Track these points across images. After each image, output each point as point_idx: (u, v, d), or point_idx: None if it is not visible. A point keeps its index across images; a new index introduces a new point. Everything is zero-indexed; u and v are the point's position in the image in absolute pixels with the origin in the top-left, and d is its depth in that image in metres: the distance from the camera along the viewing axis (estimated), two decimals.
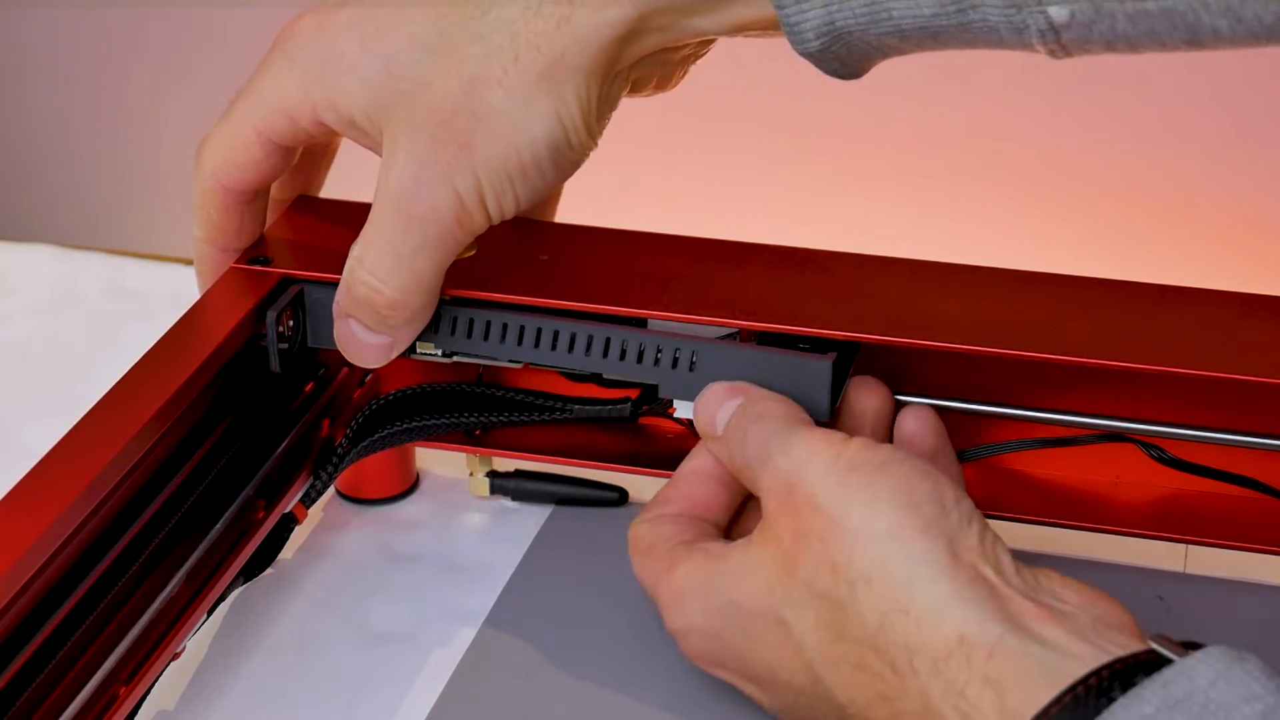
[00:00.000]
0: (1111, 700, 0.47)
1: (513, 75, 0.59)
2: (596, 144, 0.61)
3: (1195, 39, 0.53)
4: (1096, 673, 0.48)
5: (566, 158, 0.60)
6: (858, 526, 0.53)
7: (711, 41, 0.62)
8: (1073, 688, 0.47)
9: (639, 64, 0.61)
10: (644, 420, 0.69)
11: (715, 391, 0.60)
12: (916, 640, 0.51)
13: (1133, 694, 0.46)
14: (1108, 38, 0.54)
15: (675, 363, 0.63)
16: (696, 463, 0.61)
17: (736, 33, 0.60)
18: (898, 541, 0.52)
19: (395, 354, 0.63)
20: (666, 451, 0.68)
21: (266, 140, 0.63)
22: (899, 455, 0.55)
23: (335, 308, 0.63)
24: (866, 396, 0.62)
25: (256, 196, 0.65)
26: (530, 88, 0.59)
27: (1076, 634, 0.50)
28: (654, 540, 0.59)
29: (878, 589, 0.52)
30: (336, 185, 0.71)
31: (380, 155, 0.61)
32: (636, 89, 0.63)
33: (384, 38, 0.60)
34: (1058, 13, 0.53)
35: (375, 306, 0.62)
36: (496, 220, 0.61)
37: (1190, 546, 0.66)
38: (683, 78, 0.64)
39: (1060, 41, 0.54)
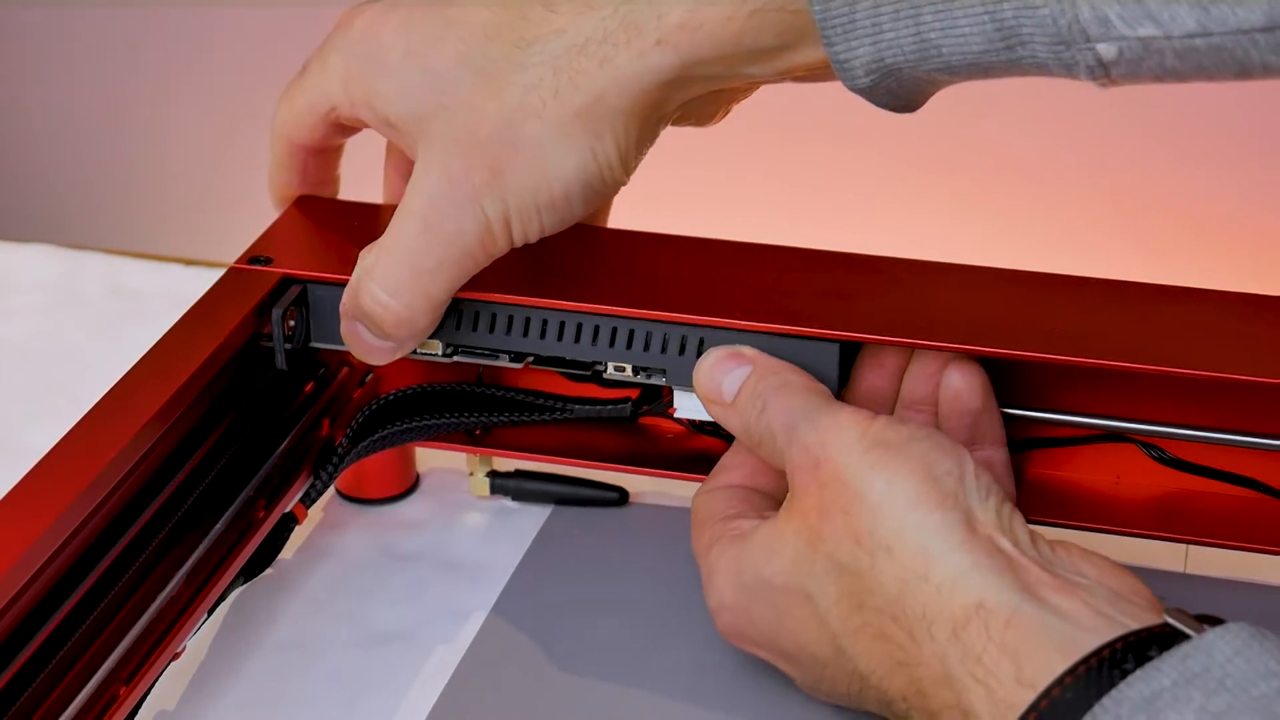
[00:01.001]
0: (1126, 672, 0.47)
1: (551, 109, 0.59)
2: (629, 179, 0.61)
3: (1245, 72, 0.53)
4: (1110, 645, 0.48)
5: (597, 191, 0.61)
6: (879, 499, 0.54)
7: (760, 84, 0.62)
8: (1086, 659, 0.48)
9: (685, 104, 0.61)
10: (644, 420, 0.69)
11: (719, 356, 0.61)
12: (935, 607, 0.51)
13: (1150, 666, 0.47)
14: (1156, 72, 0.54)
15: (682, 349, 0.63)
16: None
17: (785, 76, 0.60)
18: (917, 512, 0.53)
19: (400, 355, 0.64)
20: (666, 451, 0.68)
21: (318, 116, 0.64)
22: (923, 432, 0.55)
23: (341, 309, 0.63)
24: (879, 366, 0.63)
25: (320, 153, 0.67)
26: (567, 123, 0.59)
27: (1092, 606, 0.50)
28: (706, 514, 0.60)
29: (898, 558, 0.53)
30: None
31: (413, 157, 0.62)
32: (676, 122, 0.63)
33: (430, 51, 0.60)
34: (1106, 50, 0.54)
35: (381, 322, 0.62)
36: (519, 245, 0.61)
37: (1190, 546, 0.66)
38: (725, 115, 0.64)
39: (1109, 76, 0.55)
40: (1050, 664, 0.49)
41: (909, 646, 0.52)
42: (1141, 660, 0.48)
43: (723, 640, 0.61)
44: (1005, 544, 0.53)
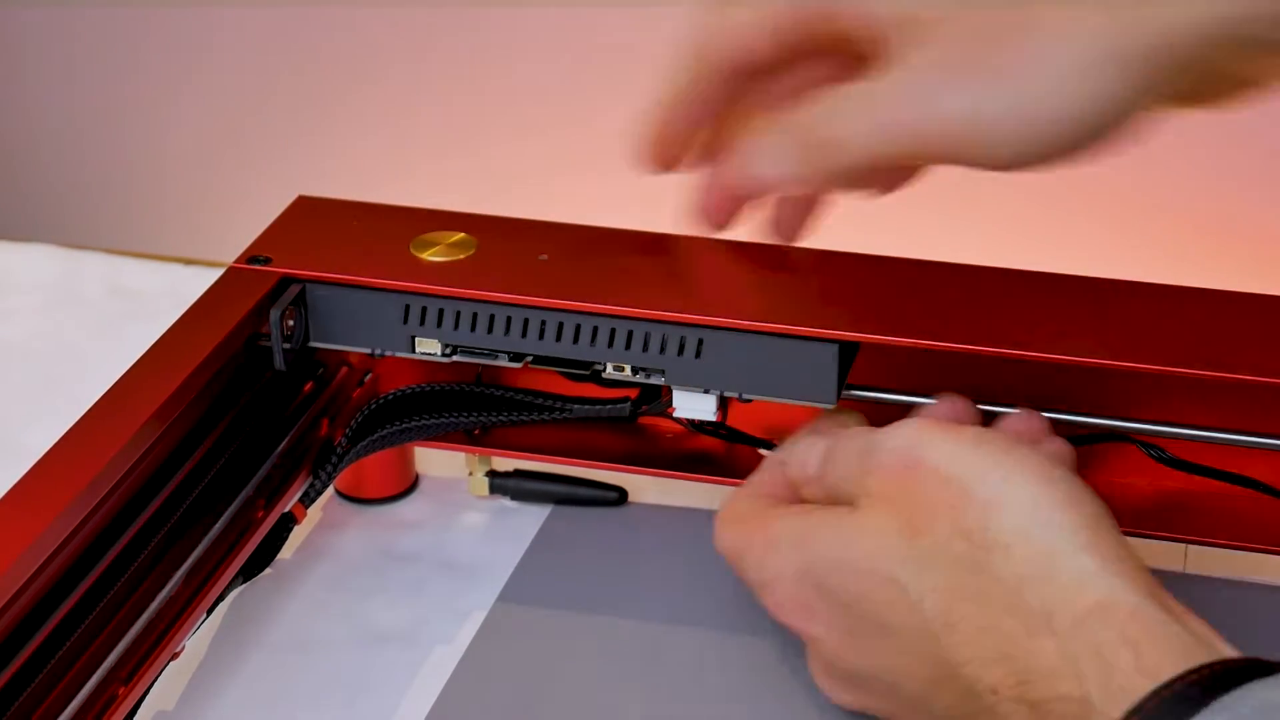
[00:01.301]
0: (1247, 681, 0.47)
1: (1072, 28, 0.55)
2: (1111, 137, 0.57)
3: None
4: (1234, 660, 0.48)
5: (1070, 131, 0.56)
6: (992, 495, 0.53)
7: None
8: (1210, 664, 0.48)
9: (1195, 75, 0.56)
10: (643, 420, 0.69)
11: (808, 442, 0.60)
12: (1055, 603, 0.51)
13: (1272, 680, 0.47)
14: None
15: (681, 349, 0.63)
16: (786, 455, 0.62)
17: None
18: (1041, 511, 0.53)
19: (746, 193, 0.62)
20: (666, 451, 0.68)
21: (780, 18, 0.61)
22: (1021, 441, 0.55)
23: (765, 134, 0.60)
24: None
25: (741, 89, 0.62)
26: (1086, 44, 0.55)
27: (1208, 628, 0.51)
28: (749, 509, 0.60)
29: (1017, 555, 0.52)
30: (335, 186, 0.71)
31: (879, 57, 0.58)
32: (1184, 102, 0.58)
33: None
34: None
35: (827, 143, 0.58)
36: (997, 157, 0.57)
37: (1190, 546, 0.66)
38: (1229, 99, 0.59)
39: None
40: (1172, 659, 0.49)
41: (1020, 639, 0.51)
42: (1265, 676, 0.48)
43: (722, 641, 0.61)
44: (1125, 552, 0.52)
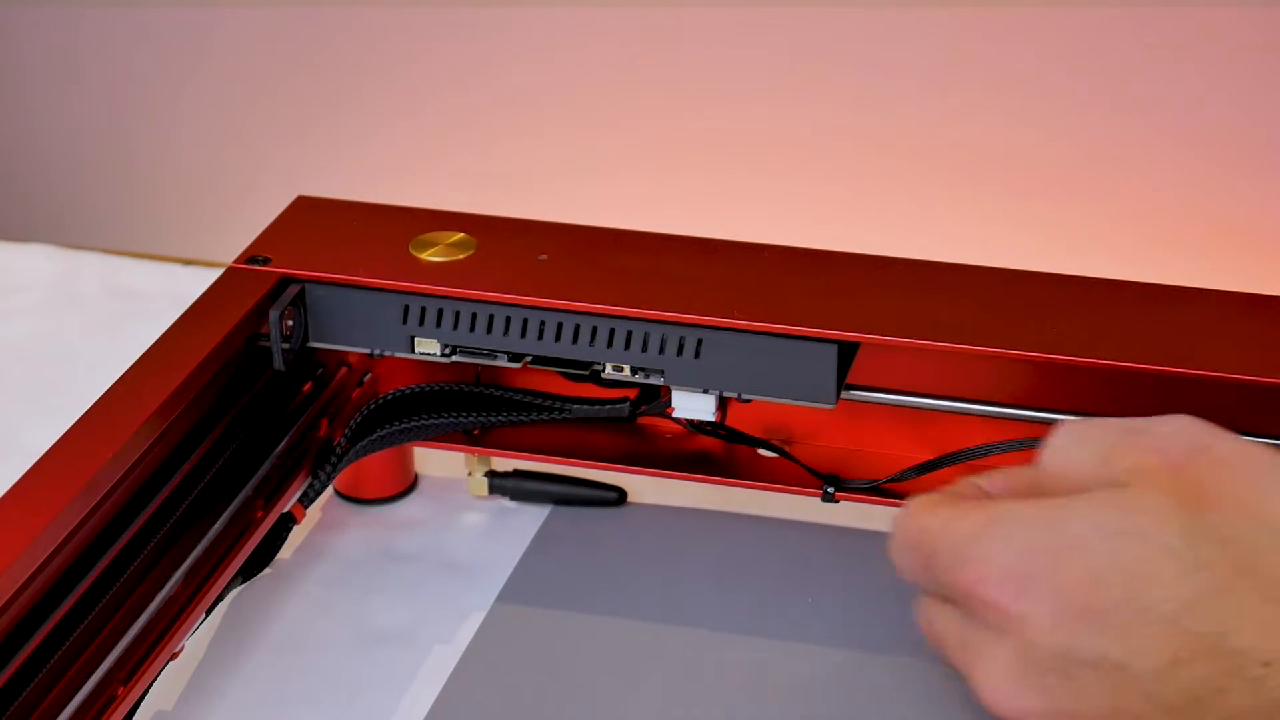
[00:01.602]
0: None
1: None
2: None
3: None
4: None
5: None
6: None
7: None
8: None
9: None
10: (642, 420, 0.69)
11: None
12: None
13: None
14: None
15: (680, 349, 0.63)
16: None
17: None
18: None
19: None
20: (665, 451, 0.68)
21: None
22: None
23: None
24: None
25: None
26: None
27: None
28: (948, 501, 0.57)
29: None
30: (335, 186, 0.71)
31: None
32: None
33: None
34: None
35: None
36: None
37: None
38: None
39: None
40: None
41: None
42: None
43: (721, 641, 0.60)
44: None
